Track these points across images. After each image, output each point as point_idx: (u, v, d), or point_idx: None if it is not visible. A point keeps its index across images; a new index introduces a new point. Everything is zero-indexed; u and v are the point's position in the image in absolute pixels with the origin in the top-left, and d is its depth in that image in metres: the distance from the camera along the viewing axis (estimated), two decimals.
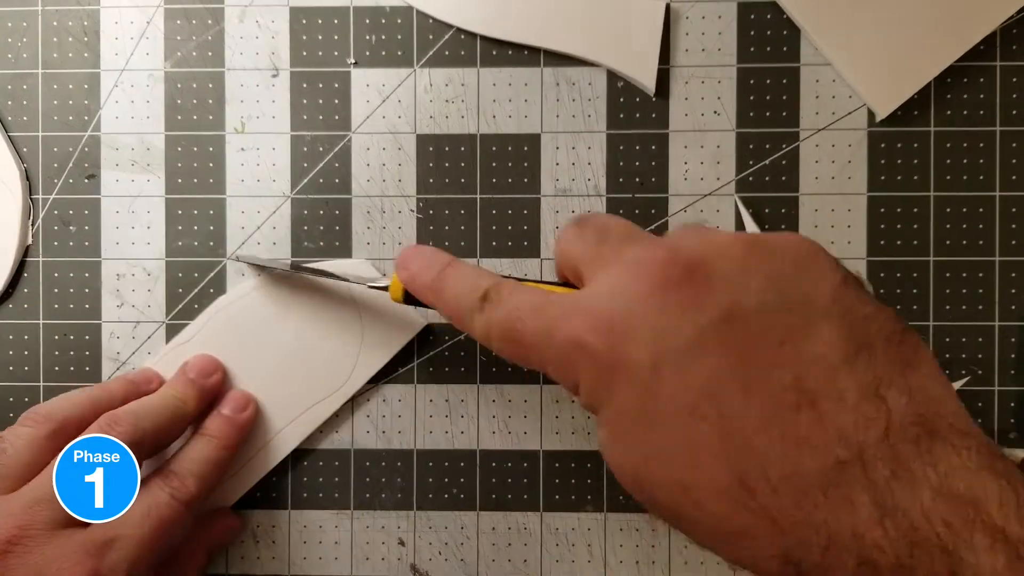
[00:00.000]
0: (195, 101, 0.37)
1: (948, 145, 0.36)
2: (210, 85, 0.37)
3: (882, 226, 0.36)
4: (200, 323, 0.36)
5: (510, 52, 0.37)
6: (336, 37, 0.37)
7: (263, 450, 0.36)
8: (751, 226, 0.36)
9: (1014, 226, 0.36)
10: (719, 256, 0.23)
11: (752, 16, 0.36)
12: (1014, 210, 0.36)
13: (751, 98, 0.36)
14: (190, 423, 0.35)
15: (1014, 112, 0.36)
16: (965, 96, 0.36)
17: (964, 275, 0.36)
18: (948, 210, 0.36)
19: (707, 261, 0.22)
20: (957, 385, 0.36)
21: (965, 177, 0.36)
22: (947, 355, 0.36)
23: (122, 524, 0.30)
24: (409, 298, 0.31)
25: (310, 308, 0.36)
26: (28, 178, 0.37)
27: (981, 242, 0.36)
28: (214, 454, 0.34)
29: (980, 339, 0.36)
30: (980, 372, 0.36)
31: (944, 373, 0.21)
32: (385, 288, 0.32)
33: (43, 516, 0.29)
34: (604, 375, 0.23)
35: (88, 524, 0.29)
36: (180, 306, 0.37)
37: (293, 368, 0.36)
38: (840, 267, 0.23)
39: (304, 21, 0.37)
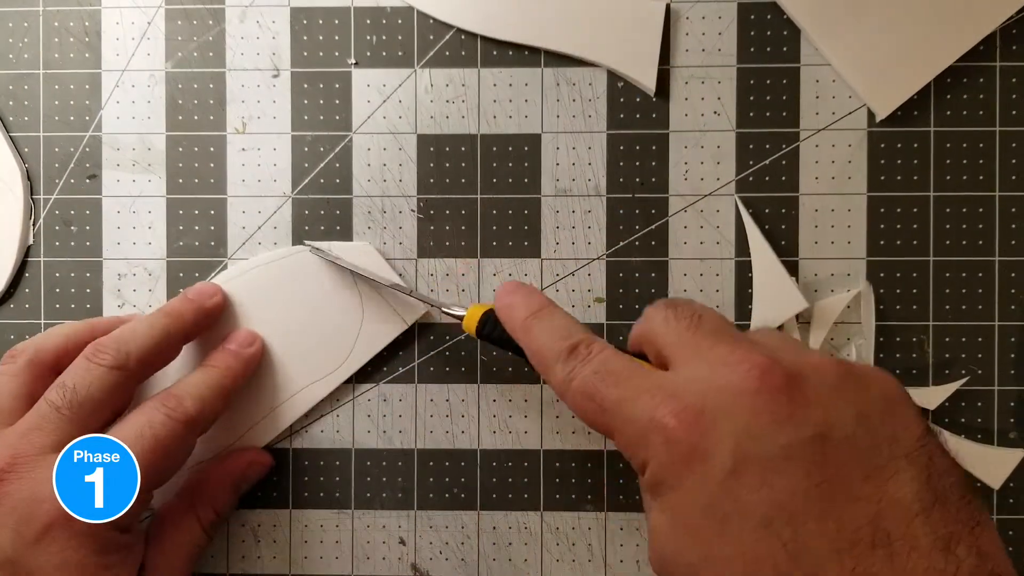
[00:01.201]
0: (196, 101, 0.37)
1: (948, 145, 0.36)
2: (211, 85, 0.37)
3: (882, 226, 0.36)
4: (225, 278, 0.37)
5: (510, 52, 0.37)
6: (337, 37, 0.37)
7: (261, 423, 0.36)
8: (751, 227, 0.36)
9: (1014, 226, 0.36)
10: (816, 376, 0.23)
11: (752, 16, 0.36)
12: (1014, 210, 0.36)
13: (751, 98, 0.36)
14: (185, 341, 0.34)
15: (1014, 112, 0.36)
16: (965, 96, 0.36)
17: (964, 275, 0.36)
18: (948, 210, 0.36)
19: (805, 377, 0.23)
20: (956, 385, 0.36)
21: (965, 177, 0.36)
22: (947, 355, 0.36)
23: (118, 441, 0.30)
24: (481, 333, 0.31)
25: (312, 288, 0.36)
26: (29, 178, 0.37)
27: (981, 242, 0.36)
28: (216, 380, 0.33)
29: (980, 339, 0.36)
30: (980, 372, 0.36)
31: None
32: (460, 318, 0.32)
33: (36, 442, 0.29)
34: (680, 461, 0.23)
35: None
36: None
37: (293, 345, 0.36)
38: (923, 416, 0.23)
39: (305, 21, 0.37)
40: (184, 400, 0.32)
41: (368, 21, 0.37)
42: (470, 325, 0.32)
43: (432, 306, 0.35)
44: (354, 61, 0.37)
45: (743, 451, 0.22)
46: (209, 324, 0.35)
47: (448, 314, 0.33)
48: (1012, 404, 0.36)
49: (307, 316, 0.36)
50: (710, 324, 0.26)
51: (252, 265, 0.36)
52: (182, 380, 0.33)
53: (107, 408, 0.31)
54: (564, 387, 0.27)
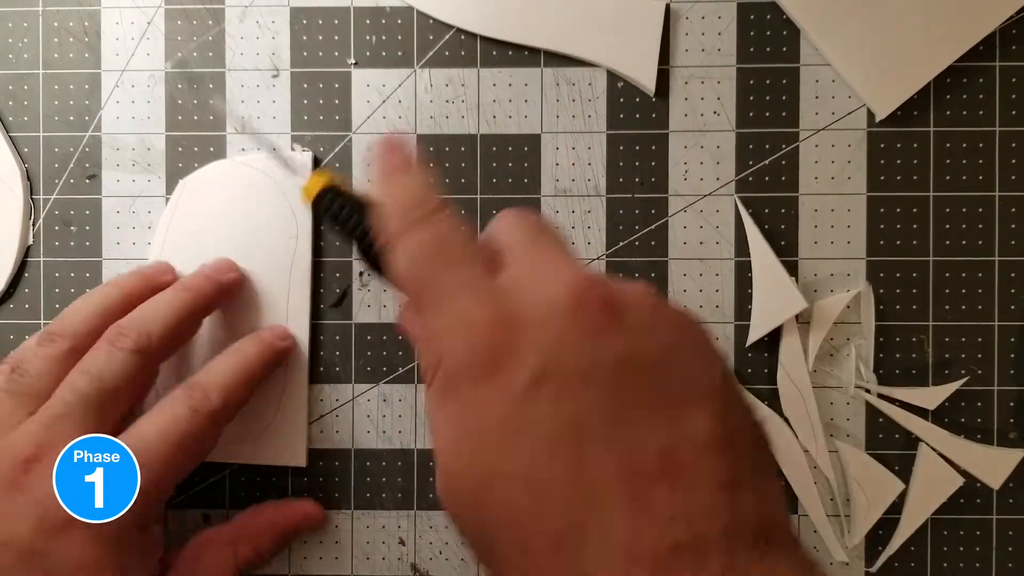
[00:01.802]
0: (196, 101, 0.37)
1: (948, 145, 0.36)
2: (211, 85, 0.37)
3: (882, 226, 0.36)
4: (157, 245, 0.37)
5: (510, 52, 0.37)
6: (336, 37, 0.37)
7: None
8: (751, 227, 0.36)
9: (1013, 226, 0.36)
10: (632, 306, 0.22)
11: (752, 16, 0.36)
12: (1013, 210, 0.36)
13: (751, 98, 0.36)
14: (204, 316, 0.34)
15: (1013, 112, 0.36)
16: (965, 96, 0.36)
17: (963, 275, 0.36)
18: (948, 210, 0.36)
19: (621, 304, 0.22)
20: (956, 385, 0.36)
21: (964, 177, 0.36)
22: (947, 355, 0.36)
23: (140, 439, 0.30)
24: (318, 203, 0.29)
25: (243, 213, 0.36)
26: (29, 178, 0.37)
27: (980, 242, 0.36)
28: (244, 367, 0.33)
29: (980, 339, 0.36)
30: (980, 372, 0.36)
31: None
32: (301, 184, 0.30)
33: (62, 432, 0.29)
34: (479, 366, 0.22)
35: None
36: None
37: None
38: (723, 359, 0.23)
39: (304, 21, 0.37)
40: (210, 392, 0.31)
41: (368, 21, 0.37)
42: (311, 192, 0.29)
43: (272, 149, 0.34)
44: (354, 61, 0.37)
45: (545, 365, 0.21)
46: (226, 299, 0.35)
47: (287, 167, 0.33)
48: (1012, 404, 0.36)
49: (245, 234, 0.36)
50: (549, 239, 0.25)
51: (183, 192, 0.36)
52: (209, 368, 0.33)
53: (131, 393, 0.31)
54: (394, 241, 0.25)
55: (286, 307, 0.36)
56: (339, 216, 0.28)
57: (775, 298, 0.36)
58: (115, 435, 0.30)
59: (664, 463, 0.20)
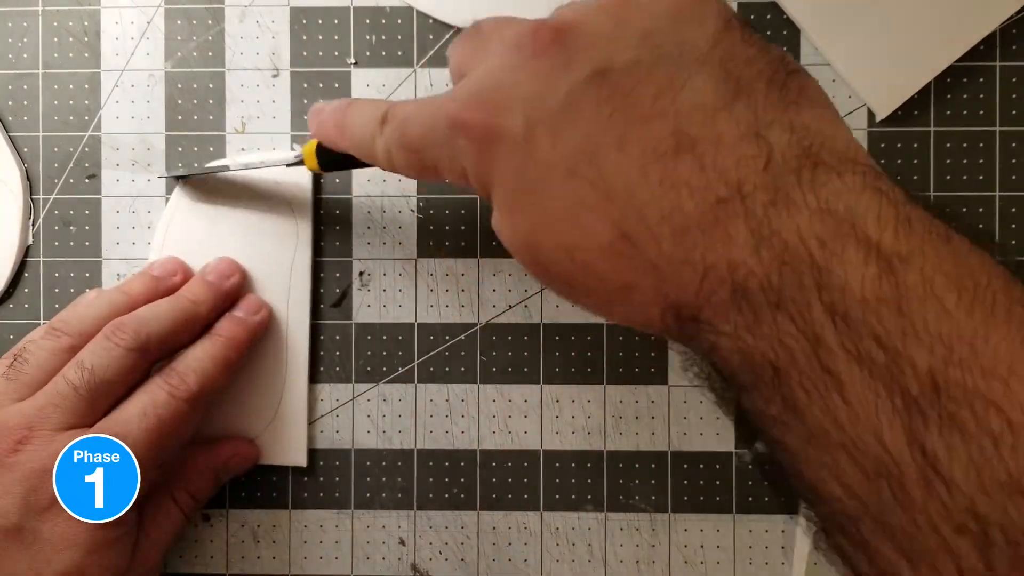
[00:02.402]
0: (195, 101, 0.37)
1: (948, 145, 0.36)
2: (210, 85, 0.37)
3: None
4: (157, 245, 0.37)
5: None
6: (336, 37, 0.37)
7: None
8: None
9: (1014, 226, 0.36)
10: (592, 16, 0.22)
11: (752, 16, 0.36)
12: (1014, 210, 0.36)
13: None
14: (204, 324, 0.34)
15: (1014, 112, 0.36)
16: (965, 96, 0.36)
17: None
18: (947, 210, 0.36)
19: (578, 23, 0.22)
20: None
21: (965, 177, 0.36)
22: None
23: (120, 424, 0.30)
24: (326, 164, 0.31)
25: (244, 212, 0.36)
26: (28, 178, 0.37)
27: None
28: (219, 352, 0.33)
29: None
30: None
31: (836, 110, 0.21)
32: (301, 163, 0.32)
33: (52, 418, 0.29)
34: (484, 150, 0.22)
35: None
36: None
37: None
38: (725, 9, 0.22)
39: (304, 21, 0.37)
40: (187, 377, 0.32)
41: (368, 21, 0.37)
42: (311, 162, 0.32)
43: (272, 167, 0.35)
44: (354, 61, 0.37)
45: (531, 113, 0.22)
46: (228, 306, 0.35)
47: (291, 165, 0.33)
48: None
49: (246, 241, 0.36)
50: (495, 23, 0.25)
51: (180, 203, 0.36)
52: (186, 353, 0.33)
53: (122, 388, 0.31)
54: (389, 160, 0.26)
55: (286, 306, 0.36)
56: (338, 158, 0.31)
57: None
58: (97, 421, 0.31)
59: (679, 139, 0.20)
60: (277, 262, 0.36)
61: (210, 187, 0.36)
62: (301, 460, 0.36)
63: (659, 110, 0.21)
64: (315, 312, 0.37)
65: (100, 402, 0.31)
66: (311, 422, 0.37)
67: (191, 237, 0.36)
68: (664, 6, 0.22)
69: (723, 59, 0.21)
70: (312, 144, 0.32)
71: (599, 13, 0.22)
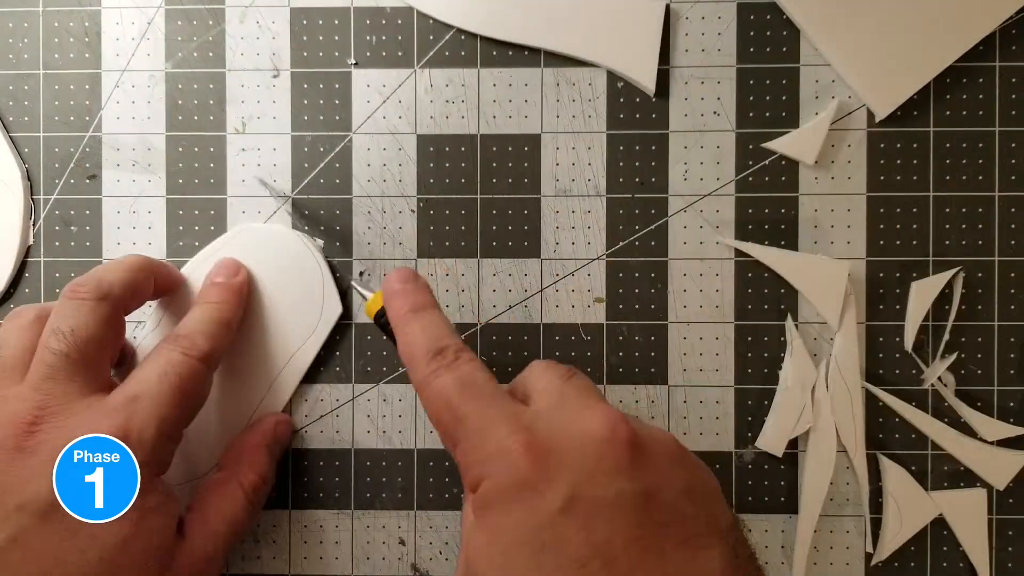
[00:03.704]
0: (196, 101, 0.37)
1: (948, 145, 0.36)
2: (211, 85, 0.37)
3: (881, 226, 0.36)
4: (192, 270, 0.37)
5: (510, 53, 0.37)
6: (337, 38, 0.37)
7: (266, 399, 0.37)
8: (759, 253, 0.36)
9: (1013, 226, 0.36)
10: (658, 445, 0.25)
11: (752, 16, 0.36)
12: (1013, 210, 0.36)
13: (751, 98, 0.36)
14: (235, 327, 0.35)
15: (1013, 112, 0.36)
16: (964, 96, 0.36)
17: (964, 275, 0.36)
18: (947, 210, 0.36)
19: (649, 442, 0.25)
20: (954, 385, 0.36)
21: (964, 177, 0.36)
22: (947, 355, 0.36)
23: (141, 383, 0.30)
24: (378, 321, 0.32)
25: (276, 263, 0.36)
26: (29, 178, 0.37)
27: (980, 242, 0.36)
28: (216, 314, 0.34)
29: (980, 339, 0.36)
30: (979, 371, 0.36)
31: None
32: (365, 299, 0.33)
33: (57, 391, 0.29)
34: (516, 489, 0.24)
35: (107, 391, 0.30)
36: None
37: (271, 313, 0.36)
38: (731, 509, 0.26)
39: (305, 22, 0.37)
40: (195, 338, 0.32)
41: (368, 21, 0.37)
42: (371, 310, 0.32)
43: (350, 282, 0.36)
44: (354, 61, 0.37)
45: (577, 492, 0.24)
46: (244, 302, 0.35)
47: (359, 292, 0.34)
48: (1012, 404, 0.36)
49: (274, 282, 0.36)
50: (581, 381, 0.28)
51: (213, 250, 0.37)
52: (187, 320, 0.33)
53: (108, 341, 0.31)
54: (424, 385, 0.28)
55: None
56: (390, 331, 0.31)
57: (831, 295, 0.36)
58: (108, 388, 0.31)
59: None
60: (297, 329, 0.37)
61: (249, 246, 0.37)
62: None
63: (677, 557, 0.23)
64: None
65: (93, 360, 0.30)
66: (311, 422, 0.37)
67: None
68: (704, 480, 0.26)
69: (735, 545, 0.24)
70: (378, 301, 0.32)
71: (665, 445, 0.26)
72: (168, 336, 0.32)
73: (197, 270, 0.36)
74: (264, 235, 0.37)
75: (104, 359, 0.31)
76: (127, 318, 0.33)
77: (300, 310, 0.36)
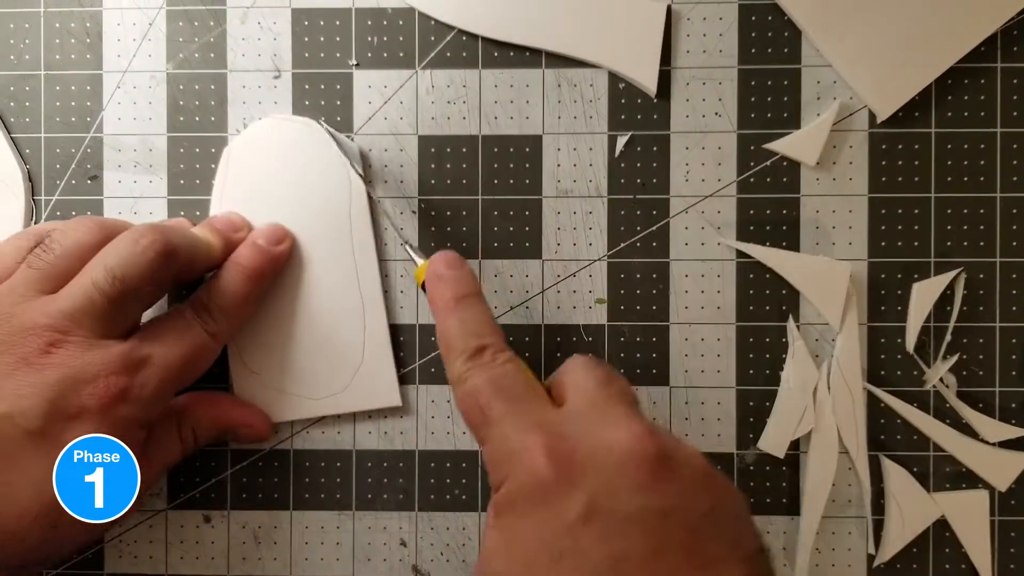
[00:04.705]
0: (197, 102, 0.37)
1: (949, 146, 0.36)
2: (212, 86, 0.37)
3: (883, 227, 0.36)
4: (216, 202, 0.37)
5: (511, 54, 0.37)
6: (338, 39, 0.37)
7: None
8: (759, 253, 0.36)
9: (1015, 227, 0.36)
10: (686, 462, 0.25)
11: (753, 17, 0.36)
12: (1015, 211, 0.36)
13: (752, 99, 0.36)
14: (214, 266, 0.34)
15: (1015, 114, 0.36)
16: (966, 97, 0.36)
17: (964, 276, 0.36)
18: (949, 211, 0.36)
19: (676, 459, 0.25)
20: (955, 386, 0.36)
21: (966, 178, 0.36)
22: (947, 355, 0.36)
23: (157, 344, 0.31)
24: (425, 286, 0.32)
25: (297, 168, 0.36)
26: (31, 179, 0.37)
27: (982, 243, 0.36)
28: (244, 288, 0.33)
29: (980, 339, 0.36)
30: (980, 372, 0.36)
31: None
32: (416, 264, 0.33)
33: (85, 324, 0.29)
34: (538, 493, 0.24)
35: (125, 339, 0.30)
36: None
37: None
38: (760, 535, 0.25)
39: (306, 22, 0.37)
40: (215, 314, 0.33)
41: (369, 22, 0.37)
42: (420, 277, 0.32)
43: (402, 242, 0.35)
44: (355, 62, 0.37)
45: (598, 503, 0.23)
46: (278, 272, 0.35)
47: (409, 253, 0.34)
48: (1012, 404, 0.36)
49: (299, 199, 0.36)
50: (619, 387, 0.28)
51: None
52: (214, 286, 0.33)
53: (149, 294, 0.31)
54: (458, 382, 0.28)
55: (352, 253, 0.36)
56: None
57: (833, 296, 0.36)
58: (130, 333, 0.31)
59: None
60: (335, 212, 0.36)
61: (255, 150, 0.36)
62: (395, 400, 0.36)
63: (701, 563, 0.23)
64: (380, 251, 0.37)
65: (130, 309, 0.31)
66: (312, 423, 0.37)
67: (244, 205, 0.36)
68: (731, 502, 0.25)
69: (759, 572, 0.24)
70: (423, 272, 0.32)
71: (693, 464, 0.25)
72: (195, 301, 0.33)
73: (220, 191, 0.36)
74: (253, 136, 0.36)
75: (139, 310, 0.32)
76: None
77: (327, 182, 0.36)
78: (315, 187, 0.36)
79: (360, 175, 0.35)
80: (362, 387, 0.36)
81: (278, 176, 0.36)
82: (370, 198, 0.36)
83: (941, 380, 0.36)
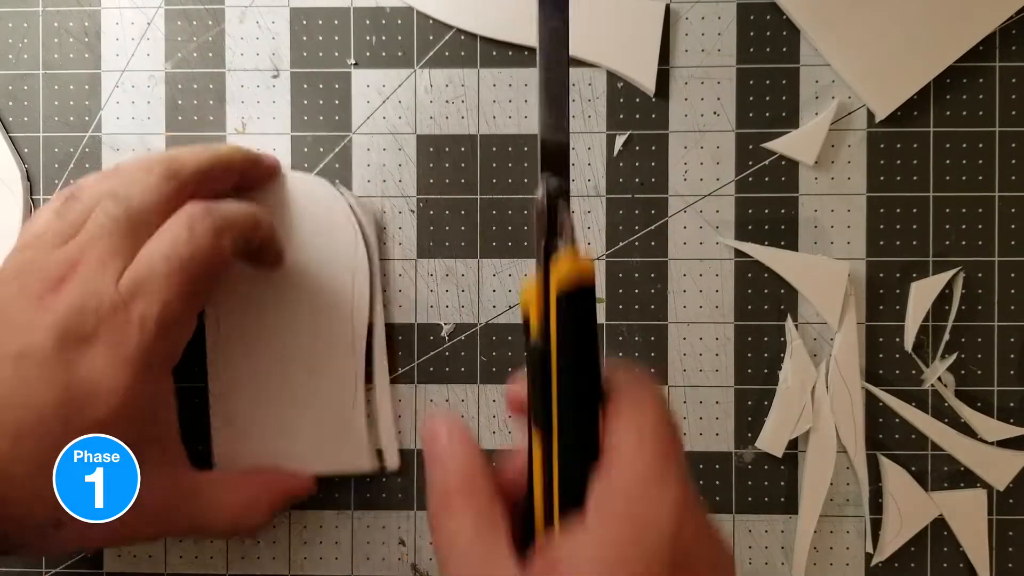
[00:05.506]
0: (196, 102, 0.37)
1: (947, 145, 0.36)
2: (211, 86, 0.37)
3: (881, 226, 0.36)
4: None
5: (510, 53, 0.37)
6: (336, 38, 0.37)
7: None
8: (758, 252, 0.36)
9: (1013, 226, 0.36)
10: (693, 537, 0.23)
11: (751, 17, 0.36)
12: (1013, 210, 0.36)
13: (751, 98, 0.36)
14: (235, 179, 0.34)
15: (1013, 113, 0.36)
16: (964, 96, 0.36)
17: (964, 275, 0.36)
18: (947, 210, 0.36)
19: (682, 541, 0.22)
20: (954, 385, 0.36)
21: (964, 177, 0.36)
22: (947, 355, 0.36)
23: (146, 258, 0.29)
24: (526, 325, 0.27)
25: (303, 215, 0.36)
26: (29, 178, 0.37)
27: (980, 242, 0.36)
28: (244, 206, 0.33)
29: (980, 339, 0.36)
30: (978, 371, 0.36)
31: None
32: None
33: (93, 253, 0.29)
34: None
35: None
36: None
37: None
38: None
39: (304, 22, 0.37)
40: (218, 222, 0.31)
41: (368, 21, 0.37)
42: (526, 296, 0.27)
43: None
44: (354, 61, 0.37)
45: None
46: (259, 178, 0.35)
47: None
48: (1012, 404, 0.36)
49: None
50: (678, 451, 0.24)
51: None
52: (230, 207, 0.32)
53: (160, 218, 0.30)
54: (432, 520, 0.25)
55: (351, 309, 0.36)
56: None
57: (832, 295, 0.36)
58: None
59: None
60: (340, 271, 0.36)
61: (280, 197, 0.36)
62: (393, 463, 0.36)
63: None
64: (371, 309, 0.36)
65: (141, 233, 0.30)
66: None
67: None
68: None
69: None
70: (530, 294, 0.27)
71: (702, 535, 0.23)
72: (201, 207, 0.31)
73: None
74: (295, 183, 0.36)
75: (151, 232, 0.30)
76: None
77: (337, 254, 0.36)
78: (324, 247, 0.36)
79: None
80: (354, 450, 0.36)
81: (292, 225, 0.36)
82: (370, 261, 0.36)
83: (939, 379, 0.36)
